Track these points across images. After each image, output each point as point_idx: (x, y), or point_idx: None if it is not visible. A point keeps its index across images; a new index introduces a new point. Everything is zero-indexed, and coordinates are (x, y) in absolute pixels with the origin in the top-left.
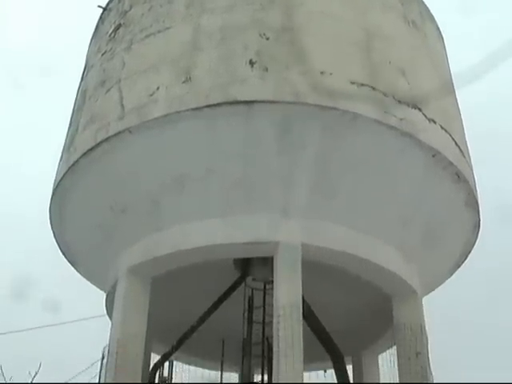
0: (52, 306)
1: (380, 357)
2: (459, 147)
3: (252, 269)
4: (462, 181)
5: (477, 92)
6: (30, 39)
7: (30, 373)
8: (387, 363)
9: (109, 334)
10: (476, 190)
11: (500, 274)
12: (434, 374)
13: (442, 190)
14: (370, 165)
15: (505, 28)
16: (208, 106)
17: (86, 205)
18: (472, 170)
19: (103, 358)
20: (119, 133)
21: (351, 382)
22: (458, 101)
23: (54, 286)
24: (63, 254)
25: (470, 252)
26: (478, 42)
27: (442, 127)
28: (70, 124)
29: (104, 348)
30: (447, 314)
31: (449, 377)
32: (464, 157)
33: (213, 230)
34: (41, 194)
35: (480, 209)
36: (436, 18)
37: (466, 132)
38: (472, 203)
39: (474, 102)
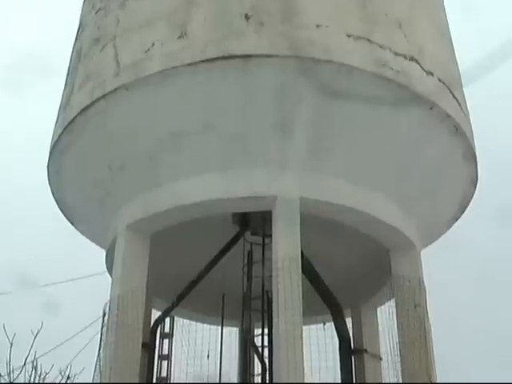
0: None
1: (379, 309)
2: (457, 100)
3: (250, 223)
4: (459, 133)
5: (477, 92)
6: (30, 39)
7: (32, 331)
8: (386, 315)
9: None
10: (474, 143)
11: None
12: (432, 325)
13: (440, 143)
14: (367, 118)
15: (505, 28)
16: (204, 61)
17: (83, 163)
18: (470, 122)
19: (104, 314)
20: (115, 90)
21: (350, 334)
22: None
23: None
24: (62, 212)
25: (467, 205)
26: (479, 42)
27: (439, 80)
28: (66, 84)
29: (105, 305)
30: (445, 267)
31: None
32: (462, 109)
33: (211, 185)
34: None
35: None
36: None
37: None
38: (470, 156)
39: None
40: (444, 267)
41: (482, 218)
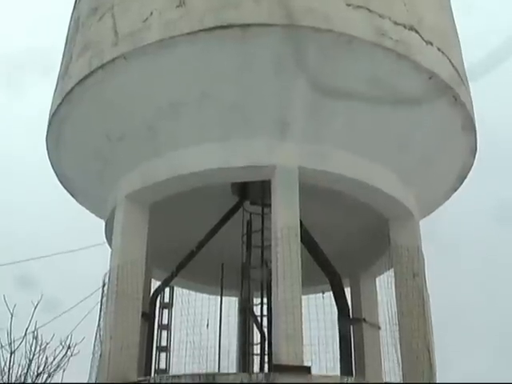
0: None
1: (377, 279)
2: (456, 70)
3: (250, 193)
4: (458, 104)
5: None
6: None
7: (32, 302)
8: (384, 285)
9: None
10: (473, 114)
11: None
12: (430, 295)
13: (439, 113)
14: (367, 87)
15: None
16: (202, 31)
17: (82, 134)
18: (469, 93)
19: (104, 285)
20: (114, 59)
21: (349, 303)
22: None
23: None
24: (61, 183)
25: (466, 176)
26: (479, 42)
27: (438, 49)
28: (64, 54)
29: (104, 275)
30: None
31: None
32: (461, 80)
33: (210, 155)
34: None
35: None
36: None
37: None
38: (469, 127)
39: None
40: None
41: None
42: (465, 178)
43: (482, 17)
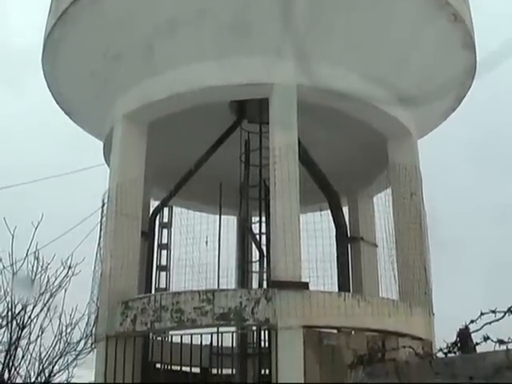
0: None
1: (375, 198)
2: None
3: (248, 111)
4: (458, 21)
5: (477, 92)
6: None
7: (32, 223)
8: (382, 203)
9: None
10: (473, 32)
11: None
12: (427, 213)
13: (439, 31)
14: (366, 3)
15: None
16: None
17: (78, 54)
18: (469, 10)
19: (103, 205)
20: None
21: (347, 221)
22: None
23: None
24: (58, 104)
25: (464, 96)
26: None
27: None
28: None
29: (104, 195)
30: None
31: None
32: None
33: (208, 73)
34: None
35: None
36: None
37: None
38: (468, 45)
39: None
40: None
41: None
42: (463, 97)
43: None
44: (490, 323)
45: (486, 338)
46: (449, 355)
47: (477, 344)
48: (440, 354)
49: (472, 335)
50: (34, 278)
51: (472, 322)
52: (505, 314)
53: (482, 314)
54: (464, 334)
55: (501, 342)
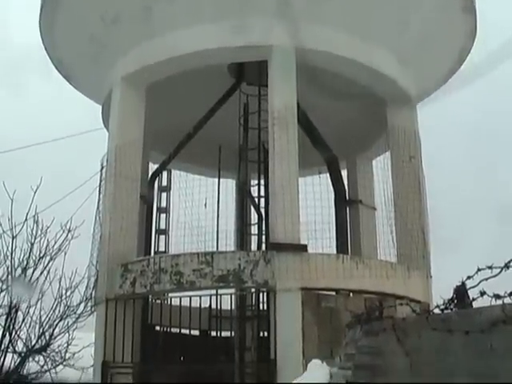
0: None
1: (374, 161)
2: None
3: (246, 74)
4: None
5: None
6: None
7: (31, 187)
8: (381, 166)
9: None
10: None
11: None
12: (426, 177)
13: None
14: None
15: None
16: None
17: (76, 17)
18: None
19: (102, 168)
20: None
21: (345, 185)
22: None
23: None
24: (56, 68)
25: (465, 59)
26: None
27: None
28: None
29: (103, 158)
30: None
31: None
32: None
33: (206, 35)
34: None
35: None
36: None
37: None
38: (469, 8)
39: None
40: None
41: None
42: (463, 61)
43: None
44: (486, 279)
45: (483, 293)
46: (445, 312)
47: (473, 300)
48: (437, 311)
49: (469, 292)
50: (34, 241)
51: (469, 278)
52: (501, 269)
53: (478, 269)
54: (461, 291)
55: (497, 296)
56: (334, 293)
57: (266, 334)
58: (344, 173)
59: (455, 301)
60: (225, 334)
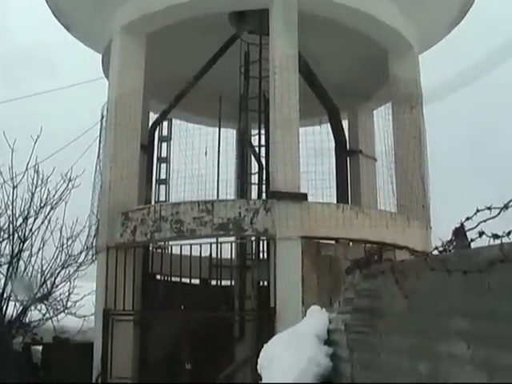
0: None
1: (375, 111)
2: None
3: (247, 22)
4: None
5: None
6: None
7: (31, 137)
8: (382, 116)
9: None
10: None
11: None
12: (427, 127)
13: None
14: None
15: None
16: None
17: None
18: None
19: (103, 117)
20: None
21: (346, 135)
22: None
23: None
24: (56, 18)
25: (468, 11)
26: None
27: None
28: None
29: (103, 107)
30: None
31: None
32: None
33: None
34: None
35: None
36: None
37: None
38: None
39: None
40: None
41: None
42: (466, 12)
43: None
44: (485, 221)
45: (481, 234)
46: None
47: (472, 240)
48: (436, 253)
49: (467, 233)
50: (34, 191)
51: (468, 219)
52: (501, 210)
53: (477, 210)
54: (459, 232)
55: (495, 236)
56: (333, 242)
57: (265, 282)
58: (345, 123)
59: (454, 242)
60: (225, 282)
